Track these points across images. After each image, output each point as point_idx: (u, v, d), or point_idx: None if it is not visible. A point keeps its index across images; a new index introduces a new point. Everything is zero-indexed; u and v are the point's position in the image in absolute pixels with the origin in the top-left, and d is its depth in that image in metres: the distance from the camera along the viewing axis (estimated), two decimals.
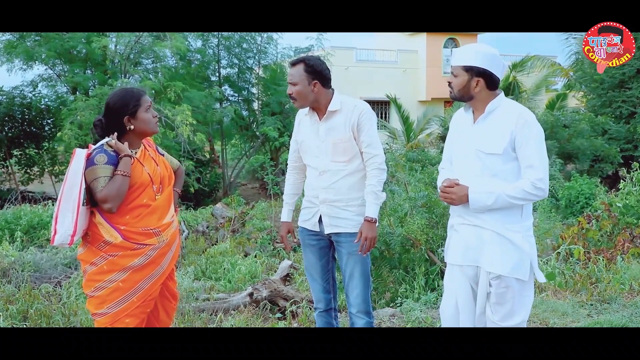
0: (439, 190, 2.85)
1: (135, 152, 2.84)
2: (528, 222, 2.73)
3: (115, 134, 2.80)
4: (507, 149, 2.64)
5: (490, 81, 2.70)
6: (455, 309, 2.84)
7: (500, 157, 2.66)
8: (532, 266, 2.70)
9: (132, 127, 2.82)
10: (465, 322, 2.82)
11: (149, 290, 2.82)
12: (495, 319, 2.72)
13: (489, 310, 2.74)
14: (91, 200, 2.74)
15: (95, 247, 2.75)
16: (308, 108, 3.19)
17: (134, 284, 2.76)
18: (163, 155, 3.09)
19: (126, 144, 2.80)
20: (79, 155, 2.70)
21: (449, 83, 2.78)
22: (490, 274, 2.69)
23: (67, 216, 2.64)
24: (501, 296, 2.69)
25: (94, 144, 2.82)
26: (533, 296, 2.80)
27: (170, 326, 3.14)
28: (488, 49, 2.73)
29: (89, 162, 2.71)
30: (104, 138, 2.82)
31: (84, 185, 2.67)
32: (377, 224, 3.08)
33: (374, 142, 3.09)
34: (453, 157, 2.87)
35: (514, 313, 2.70)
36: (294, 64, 3.12)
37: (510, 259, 2.66)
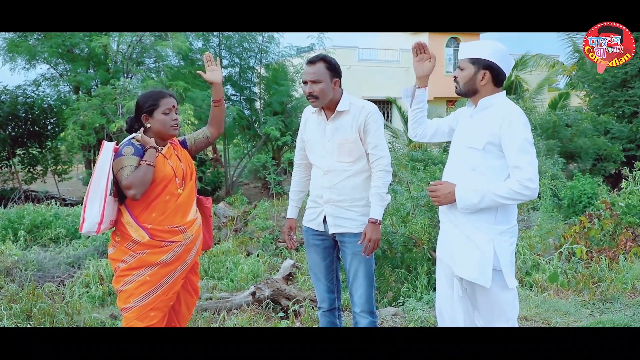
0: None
1: (161, 149, 2.97)
2: (503, 226, 2.63)
3: (142, 129, 2.95)
4: (488, 146, 2.60)
5: (497, 75, 2.66)
6: (440, 302, 2.85)
7: (479, 152, 2.62)
8: (503, 273, 2.59)
9: (148, 125, 2.95)
10: (446, 313, 2.80)
11: (173, 284, 2.96)
12: (480, 323, 2.71)
13: (476, 313, 2.74)
14: (119, 195, 2.87)
15: (125, 247, 2.88)
16: None
17: (160, 278, 2.89)
18: (186, 145, 3.18)
19: (152, 139, 2.93)
20: (107, 148, 2.84)
21: (455, 78, 2.74)
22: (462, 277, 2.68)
23: (94, 205, 2.76)
24: (474, 299, 2.67)
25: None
26: (515, 302, 2.68)
27: (189, 320, 3.26)
28: (496, 44, 2.68)
29: (117, 154, 2.85)
30: (131, 134, 2.99)
31: (111, 176, 2.80)
32: (381, 225, 3.08)
33: (380, 144, 3.08)
34: (450, 151, 2.87)
35: (494, 318, 2.65)
36: (313, 62, 3.07)
37: (473, 263, 2.60)
